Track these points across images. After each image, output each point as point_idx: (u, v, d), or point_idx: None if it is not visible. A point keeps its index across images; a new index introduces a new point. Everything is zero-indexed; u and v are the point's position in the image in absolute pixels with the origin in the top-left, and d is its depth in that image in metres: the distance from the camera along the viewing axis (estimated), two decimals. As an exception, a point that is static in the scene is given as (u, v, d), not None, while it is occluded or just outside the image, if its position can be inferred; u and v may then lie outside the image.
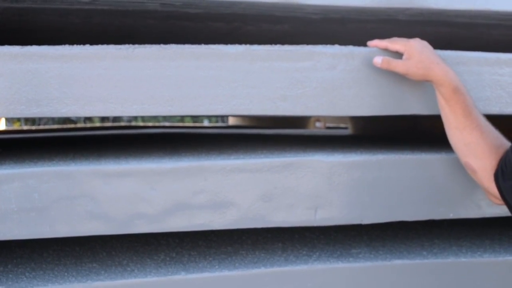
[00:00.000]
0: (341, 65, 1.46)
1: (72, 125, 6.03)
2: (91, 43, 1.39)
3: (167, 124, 6.04)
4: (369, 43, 1.49)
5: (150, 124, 6.02)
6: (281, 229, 1.80)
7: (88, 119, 8.77)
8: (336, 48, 1.48)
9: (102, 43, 1.40)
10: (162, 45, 1.40)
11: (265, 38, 2.09)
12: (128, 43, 1.39)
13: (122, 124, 6.32)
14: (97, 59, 1.35)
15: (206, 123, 8.32)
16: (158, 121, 7.64)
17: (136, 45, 1.38)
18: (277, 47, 1.45)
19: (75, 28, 1.89)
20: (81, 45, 1.36)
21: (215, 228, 1.38)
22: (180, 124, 6.21)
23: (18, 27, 1.83)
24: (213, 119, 8.51)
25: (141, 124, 6.12)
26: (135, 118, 7.70)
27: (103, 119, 8.70)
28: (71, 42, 1.39)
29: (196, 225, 1.37)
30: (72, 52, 1.34)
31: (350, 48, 1.49)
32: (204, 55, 1.40)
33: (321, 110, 1.48)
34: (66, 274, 1.39)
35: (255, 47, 1.44)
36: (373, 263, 1.46)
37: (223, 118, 7.51)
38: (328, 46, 1.49)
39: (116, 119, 8.51)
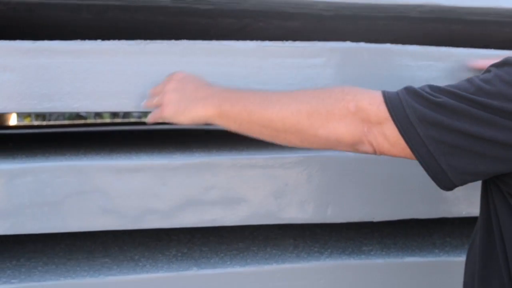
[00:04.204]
0: (353, 62, 1.46)
1: (83, 121, 6.04)
2: (102, 39, 1.39)
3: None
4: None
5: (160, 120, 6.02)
6: (292, 226, 1.80)
7: (98, 115, 8.79)
8: (348, 45, 1.48)
9: (113, 39, 1.40)
10: (173, 41, 1.40)
11: (275, 34, 2.09)
12: (139, 39, 1.40)
13: (132, 120, 6.32)
14: (109, 54, 1.35)
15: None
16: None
17: (148, 41, 1.38)
18: (289, 44, 1.45)
19: (86, 24, 1.89)
20: (93, 40, 1.36)
21: (227, 224, 1.38)
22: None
23: (30, 23, 1.83)
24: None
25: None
26: (145, 114, 7.70)
27: (114, 115, 8.72)
28: (82, 38, 1.40)
29: (207, 221, 1.37)
30: (84, 47, 1.35)
31: (361, 45, 1.48)
32: (216, 51, 1.40)
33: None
34: (78, 268, 1.39)
35: (267, 43, 1.44)
36: (385, 260, 1.46)
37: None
38: (340, 42, 1.48)
39: (126, 115, 8.53)
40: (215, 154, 1.44)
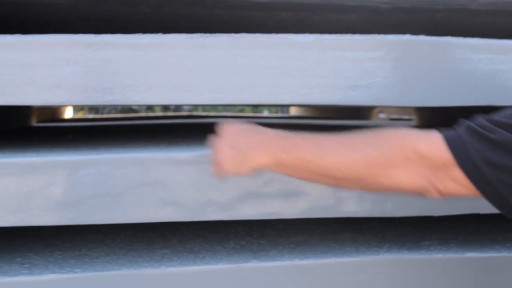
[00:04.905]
0: (412, 55, 1.45)
1: (135, 115, 6.11)
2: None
3: (227, 114, 6.07)
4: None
5: (212, 114, 6.06)
6: (349, 220, 1.79)
7: (150, 108, 8.88)
8: (408, 38, 1.46)
9: (171, 33, 1.41)
10: (233, 34, 1.40)
11: (332, 28, 2.08)
12: (196, 33, 1.41)
13: (184, 113, 6.37)
14: (169, 47, 1.36)
15: (266, 113, 8.32)
16: (219, 111, 7.68)
17: (208, 34, 1.39)
18: (348, 36, 1.44)
19: (144, 18, 1.91)
20: (154, 34, 1.38)
21: (286, 217, 1.38)
22: (241, 114, 6.23)
23: (91, 17, 1.86)
24: (273, 109, 8.51)
25: (202, 114, 6.17)
26: (196, 107, 7.75)
27: (165, 108, 8.80)
28: (140, 32, 1.41)
29: (267, 213, 1.37)
30: (145, 40, 1.36)
31: (421, 38, 1.46)
32: (275, 44, 1.40)
33: (392, 101, 1.46)
34: (139, 259, 1.41)
35: (326, 36, 1.44)
36: (445, 255, 1.44)
37: (283, 108, 7.51)
38: (400, 35, 1.47)
39: (177, 108, 8.60)
40: (274, 147, 1.44)
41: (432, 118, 2.92)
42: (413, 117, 3.58)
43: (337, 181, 1.11)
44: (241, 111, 8.40)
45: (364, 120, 4.05)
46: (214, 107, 6.63)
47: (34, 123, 3.36)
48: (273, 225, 1.73)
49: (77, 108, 6.25)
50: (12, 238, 1.61)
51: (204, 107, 7.10)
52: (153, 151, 1.38)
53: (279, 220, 1.41)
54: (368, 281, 1.41)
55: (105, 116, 5.66)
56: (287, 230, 1.68)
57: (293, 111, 5.77)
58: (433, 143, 1.03)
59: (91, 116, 5.82)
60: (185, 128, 2.52)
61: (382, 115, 4.16)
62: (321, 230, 1.69)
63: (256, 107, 7.19)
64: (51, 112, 4.13)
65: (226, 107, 7.17)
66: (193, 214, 1.35)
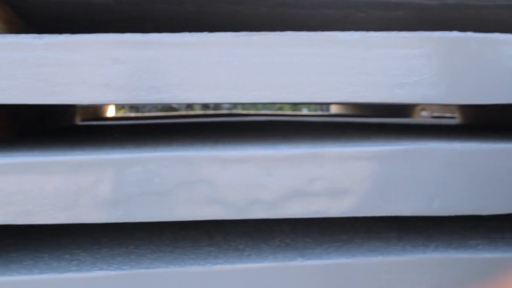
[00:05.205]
0: (459, 52, 1.43)
1: (176, 113, 6.15)
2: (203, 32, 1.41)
3: (267, 112, 6.07)
4: None
5: (251, 112, 6.07)
6: (394, 219, 1.78)
7: (189, 107, 8.94)
8: (455, 34, 1.44)
9: (214, 31, 1.42)
10: (278, 32, 1.40)
11: (376, 25, 2.07)
12: (237, 31, 1.41)
13: (224, 112, 6.39)
14: (215, 46, 1.37)
15: (305, 111, 8.31)
16: (258, 109, 7.69)
17: (253, 32, 1.39)
18: (394, 34, 1.43)
19: (189, 17, 1.92)
20: (200, 33, 1.38)
21: (332, 215, 1.37)
22: (280, 112, 6.23)
23: (136, 16, 1.88)
24: (312, 107, 8.50)
25: (242, 112, 6.18)
26: (235, 105, 7.77)
27: (204, 106, 8.84)
28: (184, 31, 1.42)
29: (312, 212, 1.37)
30: (191, 39, 1.37)
31: (468, 34, 1.45)
32: (320, 42, 1.40)
33: (439, 98, 1.45)
34: (185, 257, 1.42)
35: (372, 33, 1.43)
36: (493, 255, 1.42)
37: (322, 106, 7.48)
38: (446, 32, 1.45)
39: (216, 106, 8.64)
40: (319, 145, 1.44)
41: (476, 115, 2.88)
42: (456, 115, 3.53)
43: None
44: (280, 109, 8.40)
45: (406, 118, 4.02)
46: (254, 105, 6.64)
47: (78, 121, 3.41)
48: (317, 223, 1.72)
49: (118, 107, 6.32)
50: (59, 235, 1.63)
51: (244, 105, 7.11)
52: (199, 149, 1.39)
53: (323, 218, 1.41)
54: (415, 280, 1.40)
55: (146, 114, 5.70)
56: (331, 229, 1.67)
57: (334, 109, 5.75)
58: None
59: (132, 114, 5.87)
60: (227, 126, 2.53)
61: (424, 113, 4.11)
62: (366, 228, 1.68)
63: (295, 105, 7.18)
64: (94, 111, 4.18)
65: (265, 105, 7.17)
66: (240, 212, 1.35)
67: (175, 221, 1.36)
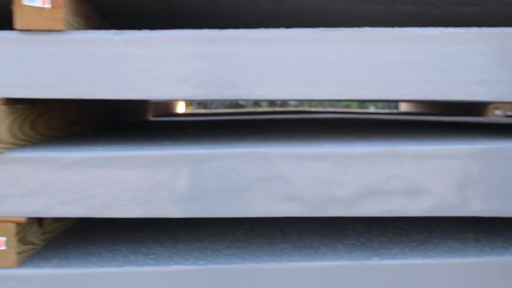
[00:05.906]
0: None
1: (244, 109, 6.17)
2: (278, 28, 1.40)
3: (334, 109, 6.03)
4: None
5: (319, 109, 6.04)
6: (471, 219, 1.74)
7: (256, 103, 8.95)
8: (538, 30, 1.40)
9: (289, 27, 1.41)
10: (356, 28, 1.39)
11: (453, 21, 2.03)
12: (311, 27, 1.40)
13: (291, 109, 6.38)
14: (292, 42, 1.36)
15: (372, 109, 8.22)
16: (324, 107, 7.64)
17: (331, 28, 1.38)
18: (474, 30, 1.40)
19: (264, 13, 1.92)
20: (277, 29, 1.38)
21: (409, 215, 1.35)
22: (349, 110, 6.18)
23: (212, 12, 1.89)
24: (379, 105, 8.40)
25: (309, 109, 6.16)
26: (301, 102, 7.75)
27: (271, 103, 8.85)
28: (258, 27, 1.41)
29: (389, 210, 1.35)
30: (268, 35, 1.36)
31: (552, 30, 1.40)
32: (398, 38, 1.38)
33: (520, 96, 1.41)
34: (260, 253, 1.42)
35: (451, 29, 1.40)
36: None
37: (390, 104, 7.39)
38: (529, 28, 1.41)
39: (283, 103, 8.64)
40: (396, 143, 1.42)
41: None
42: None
43: None
44: (347, 106, 8.34)
45: (479, 116, 3.93)
46: (321, 102, 6.60)
47: (150, 117, 3.46)
48: (392, 223, 1.70)
49: (187, 103, 6.38)
50: (136, 229, 1.66)
51: (310, 102, 7.09)
52: (275, 146, 1.39)
53: (398, 217, 1.39)
54: (493, 283, 1.36)
55: (215, 111, 5.74)
56: (407, 229, 1.65)
57: (403, 107, 5.67)
58: None
59: (202, 111, 5.92)
60: (298, 123, 2.52)
61: (497, 112, 4.01)
62: (442, 229, 1.65)
63: (363, 102, 7.12)
64: (165, 107, 4.23)
65: (331, 102, 7.12)
66: (315, 209, 1.35)
67: (249, 217, 1.36)
